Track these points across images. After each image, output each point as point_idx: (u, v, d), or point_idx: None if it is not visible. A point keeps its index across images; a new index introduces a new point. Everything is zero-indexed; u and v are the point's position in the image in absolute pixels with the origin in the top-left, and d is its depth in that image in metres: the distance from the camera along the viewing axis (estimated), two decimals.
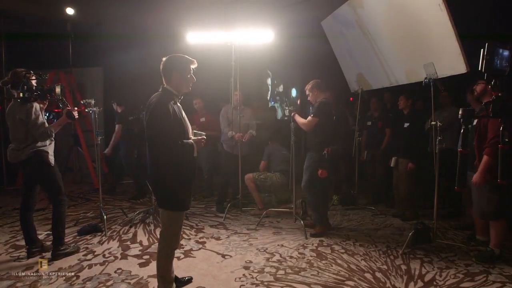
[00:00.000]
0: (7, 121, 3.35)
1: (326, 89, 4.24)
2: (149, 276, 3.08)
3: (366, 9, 4.36)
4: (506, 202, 3.27)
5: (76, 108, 3.56)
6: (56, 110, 3.96)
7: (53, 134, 3.38)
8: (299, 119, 4.14)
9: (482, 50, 1.85)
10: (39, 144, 3.31)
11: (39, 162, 3.32)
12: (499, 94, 1.87)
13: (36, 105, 3.29)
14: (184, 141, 2.44)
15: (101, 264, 3.34)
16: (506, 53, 1.85)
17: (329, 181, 4.29)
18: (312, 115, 4.00)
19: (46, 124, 3.34)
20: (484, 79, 3.28)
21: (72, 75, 6.66)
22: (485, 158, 3.15)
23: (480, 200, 3.30)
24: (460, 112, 2.06)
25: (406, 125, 4.64)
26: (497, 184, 3.14)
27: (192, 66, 2.52)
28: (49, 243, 3.67)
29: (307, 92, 4.27)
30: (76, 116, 3.49)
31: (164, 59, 2.49)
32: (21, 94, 3.22)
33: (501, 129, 1.88)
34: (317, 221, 4.19)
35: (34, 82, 3.31)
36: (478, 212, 3.38)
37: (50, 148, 3.40)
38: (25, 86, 3.20)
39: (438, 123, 3.57)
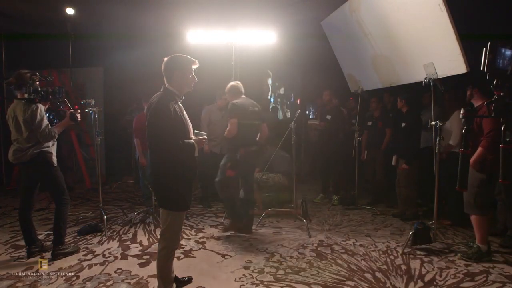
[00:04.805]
0: (9, 122, 3.35)
1: (240, 93, 4.16)
2: (149, 276, 3.08)
3: (366, 9, 4.36)
4: (491, 199, 3.37)
5: (79, 111, 3.57)
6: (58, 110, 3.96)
7: (57, 136, 3.39)
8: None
9: (484, 49, 1.84)
10: (43, 145, 3.31)
11: (42, 163, 3.33)
12: (501, 94, 1.87)
13: (41, 107, 3.30)
14: (185, 141, 2.44)
15: (101, 264, 3.34)
16: (508, 52, 1.84)
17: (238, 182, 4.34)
18: (229, 118, 3.93)
19: (49, 126, 3.34)
20: (471, 83, 3.39)
21: (65, 74, 6.64)
22: (479, 149, 3.22)
23: (468, 194, 3.34)
24: (461, 112, 2.06)
25: (403, 125, 4.68)
26: (486, 180, 3.24)
27: (194, 66, 2.53)
28: (49, 243, 3.67)
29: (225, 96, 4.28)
30: (79, 119, 3.50)
31: (165, 59, 2.49)
32: (25, 95, 3.22)
33: (502, 129, 1.87)
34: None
35: (37, 84, 3.31)
36: (465, 206, 3.43)
37: (53, 149, 3.41)
38: (31, 88, 3.20)
39: (438, 123, 3.57)
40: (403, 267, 3.30)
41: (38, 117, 3.23)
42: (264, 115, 4.31)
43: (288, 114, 10.08)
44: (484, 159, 3.21)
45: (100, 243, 3.86)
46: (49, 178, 3.41)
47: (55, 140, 3.42)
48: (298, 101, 9.64)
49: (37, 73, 3.31)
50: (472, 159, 3.22)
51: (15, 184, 6.28)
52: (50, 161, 3.36)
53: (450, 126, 4.26)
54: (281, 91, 10.38)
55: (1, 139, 6.44)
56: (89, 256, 3.51)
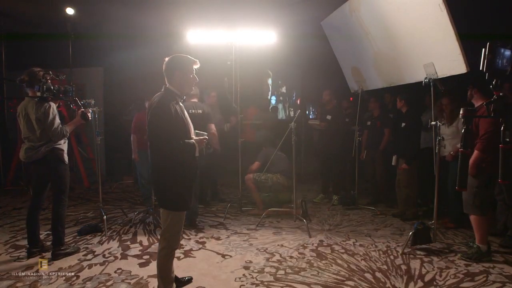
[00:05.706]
0: (19, 119, 3.35)
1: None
2: (149, 276, 3.08)
3: (366, 9, 4.37)
4: (491, 199, 3.36)
5: (90, 110, 3.59)
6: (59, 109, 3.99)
7: (68, 134, 3.40)
8: None
9: (483, 49, 1.84)
10: (55, 142, 3.33)
11: (54, 160, 3.34)
12: (501, 94, 1.87)
13: (54, 105, 3.31)
14: (186, 141, 2.44)
15: (101, 264, 3.34)
16: (507, 52, 1.84)
17: None
18: None
19: (61, 125, 3.35)
20: (471, 84, 3.40)
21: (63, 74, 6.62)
22: (475, 152, 3.21)
23: (467, 194, 3.34)
24: (461, 112, 2.06)
25: (403, 125, 4.68)
26: (485, 181, 3.24)
27: (195, 67, 2.53)
28: (49, 243, 3.67)
29: None
30: (90, 118, 3.51)
31: (166, 59, 2.49)
32: (38, 93, 3.22)
33: (502, 129, 1.87)
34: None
35: (50, 82, 3.33)
36: (464, 206, 3.44)
37: (64, 146, 3.44)
38: (45, 86, 3.20)
39: (439, 123, 3.58)
40: (403, 267, 3.30)
41: (51, 115, 3.25)
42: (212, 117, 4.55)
43: (292, 113, 10.06)
44: (481, 162, 3.20)
45: (100, 243, 3.87)
46: (57, 175, 3.42)
47: (67, 138, 3.44)
48: (298, 101, 9.63)
49: (50, 72, 3.32)
50: (470, 164, 3.20)
51: (10, 185, 6.29)
52: (61, 158, 3.39)
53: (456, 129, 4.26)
54: (283, 89, 10.36)
55: None
56: (89, 256, 3.51)
